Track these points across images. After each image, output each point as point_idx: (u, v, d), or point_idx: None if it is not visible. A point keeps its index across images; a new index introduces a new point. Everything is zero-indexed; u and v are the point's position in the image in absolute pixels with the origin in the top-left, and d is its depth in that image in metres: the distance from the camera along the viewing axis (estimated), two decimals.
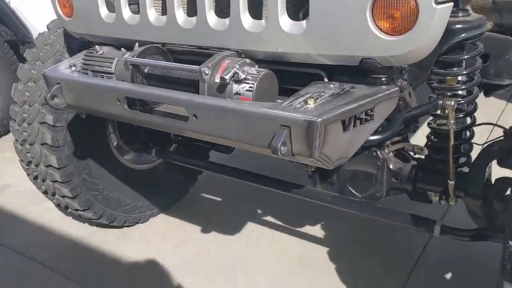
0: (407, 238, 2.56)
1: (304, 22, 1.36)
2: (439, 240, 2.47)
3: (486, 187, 1.80)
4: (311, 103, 1.27)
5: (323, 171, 2.06)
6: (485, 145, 1.82)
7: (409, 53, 1.24)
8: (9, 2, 4.12)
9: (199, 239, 2.71)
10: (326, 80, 1.45)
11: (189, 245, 2.66)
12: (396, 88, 1.36)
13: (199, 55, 1.61)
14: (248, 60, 1.46)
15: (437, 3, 1.16)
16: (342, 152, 1.30)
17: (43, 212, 3.01)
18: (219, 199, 3.13)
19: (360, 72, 1.37)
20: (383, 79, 1.36)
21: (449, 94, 1.69)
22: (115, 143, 2.63)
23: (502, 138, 1.78)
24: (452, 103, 1.62)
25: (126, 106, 1.58)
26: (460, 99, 1.67)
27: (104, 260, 2.57)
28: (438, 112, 1.70)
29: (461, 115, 1.74)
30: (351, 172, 2.00)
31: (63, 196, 2.50)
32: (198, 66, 1.45)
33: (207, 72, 1.43)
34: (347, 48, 1.30)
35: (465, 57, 1.61)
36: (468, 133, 1.82)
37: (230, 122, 1.34)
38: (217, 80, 1.42)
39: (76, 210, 2.58)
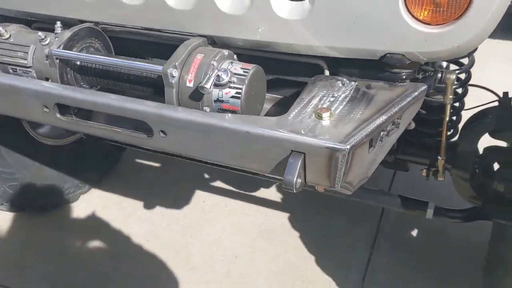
0: None
1: (307, 3, 1.01)
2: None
3: (475, 158, 1.66)
4: (326, 118, 0.97)
5: None
6: (474, 113, 1.66)
7: (452, 49, 0.95)
8: None
9: (144, 218, 2.39)
10: (327, 72, 1.13)
11: (134, 227, 2.34)
12: (425, 87, 1.08)
13: (154, 37, 1.21)
14: (226, 52, 1.10)
15: None
16: (365, 174, 1.04)
17: None
18: (157, 164, 2.78)
19: (374, 64, 1.07)
20: (403, 74, 1.08)
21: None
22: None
23: (496, 105, 1.61)
24: (453, 76, 1.39)
25: (58, 115, 1.17)
26: (457, 70, 1.45)
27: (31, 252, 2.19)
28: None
29: (456, 86, 1.53)
30: None
31: None
32: (159, 66, 1.06)
33: (174, 74, 1.05)
34: (368, 39, 0.99)
35: None
36: (459, 104, 1.63)
37: (219, 144, 1.01)
38: (189, 84, 1.06)
39: None
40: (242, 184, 2.56)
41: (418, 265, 2.05)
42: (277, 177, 1.04)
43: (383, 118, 0.97)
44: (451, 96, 1.44)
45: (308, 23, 1.02)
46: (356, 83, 1.07)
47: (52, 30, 1.23)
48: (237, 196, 2.51)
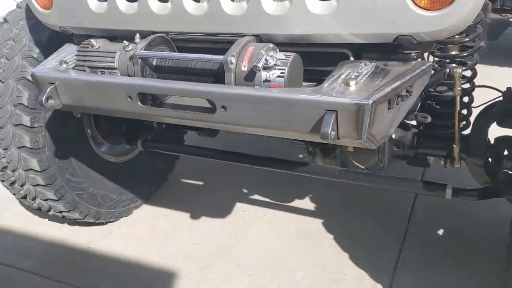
0: (395, 199, 2.66)
1: (333, 1, 1.32)
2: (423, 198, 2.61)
3: (487, 147, 1.89)
4: (353, 85, 1.25)
5: (323, 147, 2.07)
6: (483, 108, 1.91)
7: (448, 27, 1.24)
8: None
9: (192, 227, 2.65)
10: (352, 59, 1.43)
11: (183, 234, 2.60)
12: (431, 63, 1.37)
13: (210, 42, 1.54)
14: (271, 45, 1.41)
15: None
16: (386, 131, 1.30)
17: (13, 217, 2.82)
18: (200, 183, 3.07)
19: (389, 48, 1.36)
20: (413, 54, 1.36)
21: (449, 61, 1.73)
22: (93, 139, 2.49)
23: (501, 99, 1.86)
24: (460, 70, 1.66)
25: (139, 103, 1.48)
26: (464, 67, 1.72)
27: (94, 259, 2.45)
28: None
29: (463, 82, 1.79)
30: None
31: (46, 199, 2.34)
32: (221, 56, 1.37)
33: (233, 61, 1.36)
34: (383, 25, 1.29)
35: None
36: (468, 98, 1.88)
37: (268, 112, 1.30)
38: (244, 68, 1.36)
39: (60, 212, 2.43)
40: (279, 195, 2.81)
41: (444, 260, 2.23)
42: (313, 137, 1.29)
43: (397, 83, 1.25)
44: (459, 88, 1.71)
45: (335, 16, 1.32)
46: (376, 63, 1.36)
47: None
48: (274, 206, 2.76)
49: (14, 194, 2.40)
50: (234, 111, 1.35)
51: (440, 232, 2.43)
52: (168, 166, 2.99)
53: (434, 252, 2.28)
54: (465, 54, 1.68)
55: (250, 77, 1.35)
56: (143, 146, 2.41)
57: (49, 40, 2.09)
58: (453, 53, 1.70)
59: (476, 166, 1.91)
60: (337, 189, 2.79)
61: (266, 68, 1.34)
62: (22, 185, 2.30)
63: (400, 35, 1.29)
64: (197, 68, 1.47)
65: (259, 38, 1.45)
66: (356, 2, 1.29)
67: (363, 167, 2.05)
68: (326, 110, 1.22)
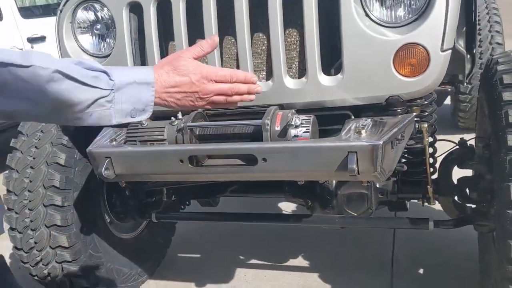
0: (375, 245, 3.05)
1: (339, 75, 1.80)
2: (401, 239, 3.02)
3: (453, 186, 2.37)
4: (364, 133, 1.69)
5: (322, 200, 2.47)
6: (445, 155, 2.42)
7: (424, 88, 1.75)
8: None
9: None
10: (353, 117, 1.89)
11: None
12: (414, 115, 1.86)
13: (242, 114, 1.95)
14: (293, 110, 1.84)
15: (442, 50, 1.69)
16: (391, 166, 1.73)
17: None
18: (197, 255, 3.31)
19: (381, 107, 1.84)
20: (400, 110, 1.84)
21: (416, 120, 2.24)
22: (107, 216, 2.74)
23: (458, 148, 2.38)
24: (426, 125, 2.16)
25: (189, 165, 1.83)
26: (428, 122, 2.23)
27: None
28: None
29: (428, 135, 2.29)
30: (346, 195, 2.43)
31: (70, 276, 2.51)
32: (259, 120, 1.79)
33: (268, 123, 1.77)
34: (376, 90, 1.77)
35: None
36: (433, 149, 2.39)
37: (302, 158, 1.69)
38: (277, 128, 1.77)
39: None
40: (275, 251, 3.12)
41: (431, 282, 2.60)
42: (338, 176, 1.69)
43: (395, 129, 1.70)
44: (427, 140, 2.21)
45: (341, 86, 1.79)
46: (373, 119, 1.82)
47: None
48: (273, 267, 3.04)
49: (35, 275, 2.55)
50: (274, 161, 1.73)
51: (424, 269, 2.82)
52: (166, 242, 3.24)
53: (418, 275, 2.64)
54: (427, 112, 2.19)
55: (282, 134, 1.76)
56: (157, 218, 2.68)
57: (75, 127, 2.42)
58: (420, 112, 2.21)
59: (447, 203, 2.38)
60: (327, 241, 3.15)
61: (295, 126, 1.76)
62: (46, 264, 2.47)
63: (390, 96, 1.77)
64: (235, 132, 1.87)
65: (282, 106, 1.89)
66: (356, 75, 1.77)
67: (355, 214, 2.45)
68: (349, 152, 1.64)
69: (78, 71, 1.00)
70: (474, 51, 2.88)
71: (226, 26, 1.97)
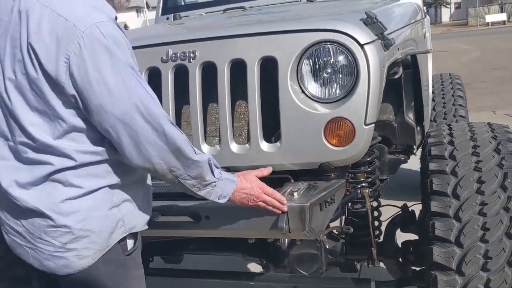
0: None
1: (278, 143, 2.01)
2: None
3: (397, 249, 2.52)
4: (296, 195, 1.88)
5: (275, 259, 2.62)
6: (388, 220, 2.59)
7: (351, 157, 1.96)
8: None
9: None
10: (292, 180, 2.08)
11: None
12: (344, 181, 2.05)
13: None
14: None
15: (366, 124, 1.92)
16: (320, 226, 1.90)
17: None
18: None
19: (316, 172, 2.04)
20: (333, 175, 2.04)
21: (362, 185, 2.44)
22: None
23: (400, 213, 2.56)
24: (367, 190, 2.36)
25: None
26: (370, 188, 2.42)
27: None
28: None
29: (371, 200, 2.48)
30: (297, 255, 2.58)
31: None
32: None
33: None
34: (310, 157, 1.98)
35: (368, 159, 2.38)
36: (377, 212, 2.56)
37: (240, 218, 1.87)
38: None
39: None
40: None
41: None
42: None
43: (324, 193, 1.89)
44: (369, 204, 2.39)
45: (279, 153, 2.00)
46: (308, 183, 2.01)
47: None
48: None
49: None
50: (215, 220, 1.91)
51: None
52: None
53: None
54: (369, 179, 2.39)
55: None
56: None
57: None
58: (362, 179, 2.41)
59: (391, 265, 2.52)
60: None
61: None
62: None
63: (322, 163, 1.98)
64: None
65: (228, 169, 2.08)
66: (292, 143, 1.99)
67: (306, 274, 2.59)
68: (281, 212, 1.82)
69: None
70: (423, 123, 3.13)
71: (184, 96, 2.21)
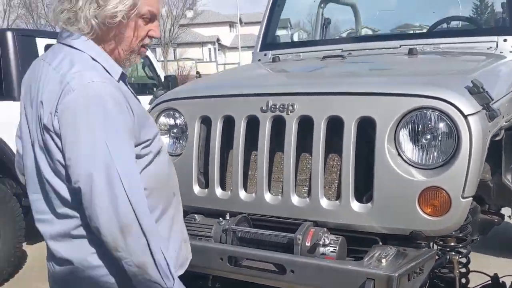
0: None
1: (369, 204, 2.01)
2: None
3: None
4: (384, 262, 1.86)
5: None
6: None
7: (444, 228, 1.91)
8: None
9: None
10: (380, 243, 2.06)
11: None
12: (435, 250, 2.01)
13: (279, 223, 2.20)
14: (325, 229, 2.06)
15: (463, 198, 1.87)
16: None
17: None
18: None
19: (407, 239, 2.01)
20: (423, 244, 2.00)
21: (450, 250, 2.35)
22: None
23: (490, 283, 2.44)
24: (457, 257, 2.27)
25: (228, 263, 2.09)
26: (460, 255, 2.33)
27: None
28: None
29: (460, 266, 2.38)
30: None
31: None
32: (291, 234, 2.02)
33: (300, 238, 2.00)
34: (401, 223, 1.96)
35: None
36: (465, 280, 2.46)
37: (325, 276, 1.89)
38: (308, 244, 2.00)
39: None
40: None
41: None
42: None
43: (413, 263, 1.86)
44: (457, 271, 2.30)
45: (370, 214, 2.00)
46: (397, 248, 1.99)
47: None
48: None
49: None
50: (300, 274, 1.94)
51: None
52: None
53: None
54: (460, 246, 2.31)
55: (311, 250, 1.98)
56: None
57: None
58: (452, 244, 2.33)
59: None
60: None
61: (323, 245, 1.97)
62: None
63: (413, 231, 1.95)
64: (271, 241, 2.11)
65: (316, 223, 2.11)
66: (384, 207, 1.98)
67: None
68: (367, 278, 1.82)
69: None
70: None
71: (278, 144, 2.27)
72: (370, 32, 7.38)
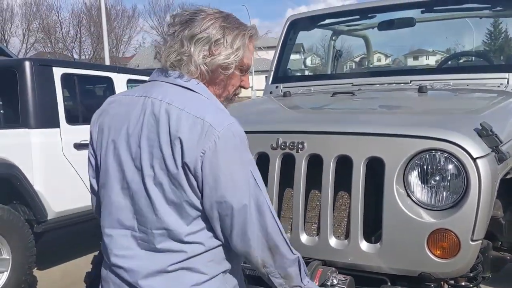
0: None
1: (378, 244, 2.01)
2: None
3: None
4: None
5: None
6: None
7: (453, 271, 1.90)
8: (33, 185, 4.56)
9: None
10: (389, 283, 2.06)
11: None
12: None
13: None
14: (333, 268, 2.06)
15: (473, 240, 1.86)
16: None
17: None
18: None
19: (415, 279, 2.00)
20: (432, 286, 1.99)
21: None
22: None
23: None
24: None
25: None
26: None
27: None
28: None
29: None
30: None
31: None
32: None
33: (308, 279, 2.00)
34: (410, 264, 1.95)
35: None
36: None
37: None
38: (316, 283, 1.99)
39: None
40: None
41: None
42: None
43: None
44: None
45: (378, 254, 2.00)
46: None
47: None
48: None
49: None
50: None
51: None
52: None
53: None
54: (471, 286, 2.28)
55: None
56: None
57: None
58: (462, 284, 2.31)
59: None
60: None
61: (331, 285, 1.97)
62: None
63: (422, 272, 1.94)
64: None
65: (324, 262, 2.11)
66: (393, 248, 1.98)
67: None
68: None
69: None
70: None
71: (288, 181, 2.29)
72: (382, 57, 7.43)
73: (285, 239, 1.52)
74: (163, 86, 1.55)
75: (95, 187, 1.66)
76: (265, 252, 1.49)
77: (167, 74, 1.56)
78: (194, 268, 1.50)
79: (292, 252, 1.55)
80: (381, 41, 5.13)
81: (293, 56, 4.23)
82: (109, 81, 5.49)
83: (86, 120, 4.60)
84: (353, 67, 5.37)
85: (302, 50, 5.85)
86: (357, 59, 5.34)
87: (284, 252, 1.52)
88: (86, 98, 5.64)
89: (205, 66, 1.52)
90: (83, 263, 3.86)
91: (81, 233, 5.70)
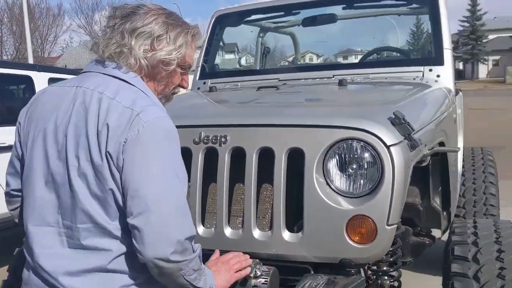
0: None
1: (300, 234, 2.04)
2: None
3: None
4: None
5: None
6: None
7: (372, 256, 1.96)
8: None
9: None
10: (312, 272, 2.09)
11: None
12: (364, 278, 2.05)
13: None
14: (257, 260, 2.06)
15: (388, 225, 1.93)
16: None
17: None
18: None
19: (336, 266, 2.05)
20: (353, 271, 2.05)
21: (382, 275, 2.42)
22: None
23: None
24: (388, 282, 2.33)
25: None
26: (392, 279, 2.40)
27: None
28: None
29: None
30: None
31: None
32: None
33: None
34: (330, 252, 2.00)
35: (391, 249, 2.37)
36: None
37: None
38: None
39: None
40: None
41: None
42: None
43: None
44: None
45: (301, 244, 2.02)
46: (328, 277, 2.02)
47: None
48: None
49: None
50: None
51: None
52: None
53: None
54: (391, 270, 2.37)
55: (243, 283, 1.97)
56: None
57: None
58: (383, 269, 2.39)
59: None
60: None
61: (255, 277, 1.97)
62: None
63: (342, 259, 1.99)
64: None
65: (249, 254, 2.11)
66: (314, 236, 2.01)
67: None
68: None
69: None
70: (449, 209, 3.11)
71: (212, 174, 2.27)
72: (314, 57, 7.61)
73: (193, 237, 1.52)
74: (98, 76, 1.51)
75: (16, 186, 1.61)
76: (182, 251, 1.45)
77: (104, 65, 1.52)
78: (121, 269, 1.45)
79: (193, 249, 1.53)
80: (311, 41, 5.25)
81: (227, 56, 4.24)
82: (29, 80, 5.22)
83: (2, 122, 4.35)
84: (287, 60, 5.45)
85: (236, 49, 5.86)
86: (290, 59, 5.43)
87: (193, 248, 1.52)
88: (2, 99, 5.31)
89: (145, 61, 1.50)
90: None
91: None
